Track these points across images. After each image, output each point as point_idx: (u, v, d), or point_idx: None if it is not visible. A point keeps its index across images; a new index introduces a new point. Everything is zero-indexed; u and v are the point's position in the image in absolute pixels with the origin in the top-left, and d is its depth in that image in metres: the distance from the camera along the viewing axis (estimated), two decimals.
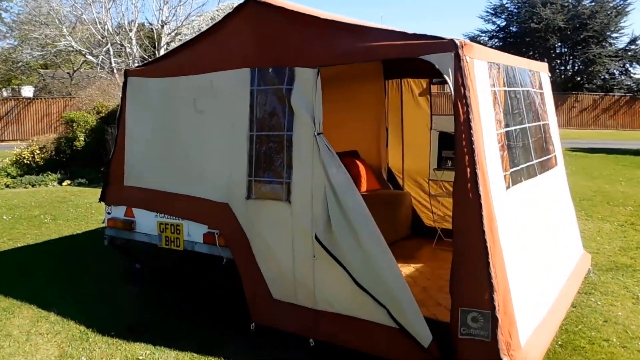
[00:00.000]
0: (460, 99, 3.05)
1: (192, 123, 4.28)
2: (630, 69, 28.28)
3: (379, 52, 3.37)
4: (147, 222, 4.64)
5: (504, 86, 3.78)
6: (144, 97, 4.65)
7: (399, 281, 3.23)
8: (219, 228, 4.08)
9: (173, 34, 21.90)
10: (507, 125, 3.69)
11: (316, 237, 3.50)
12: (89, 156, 11.49)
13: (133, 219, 4.74)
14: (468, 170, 3.03)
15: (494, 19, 31.37)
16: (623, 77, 29.01)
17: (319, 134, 3.53)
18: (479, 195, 3.00)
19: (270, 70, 3.77)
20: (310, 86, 3.57)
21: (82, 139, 11.37)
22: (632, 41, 25.47)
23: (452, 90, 3.07)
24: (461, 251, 3.07)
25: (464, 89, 3.05)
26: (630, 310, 4.32)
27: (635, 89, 27.86)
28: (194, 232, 4.31)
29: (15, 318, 4.18)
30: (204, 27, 9.72)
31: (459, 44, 3.05)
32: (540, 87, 4.88)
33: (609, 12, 24.21)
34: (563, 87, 26.84)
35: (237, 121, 3.95)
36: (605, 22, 24.25)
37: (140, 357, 3.55)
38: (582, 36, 24.10)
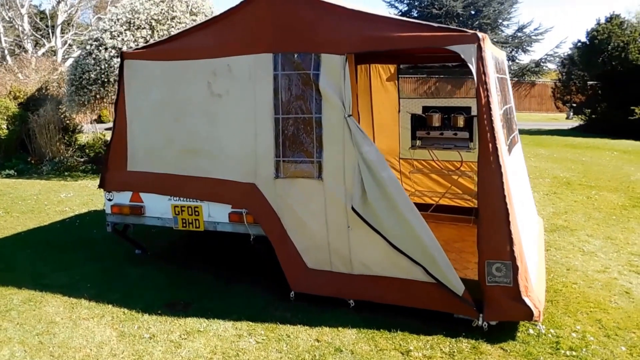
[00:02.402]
0: (482, 84, 3.60)
1: (208, 106, 4.38)
2: (516, 55, 31.36)
3: (408, 41, 3.77)
4: (158, 205, 4.70)
5: (496, 73, 4.42)
6: (146, 80, 4.63)
7: (433, 241, 3.74)
8: (246, 207, 4.30)
9: (70, 11, 20.43)
10: (502, 106, 4.34)
11: (353, 209, 3.90)
12: (13, 146, 10.65)
13: (141, 203, 4.76)
14: (490, 145, 3.60)
15: (397, 4, 32.90)
16: (510, 63, 32.14)
17: (349, 115, 3.91)
18: (500, 165, 3.59)
19: (295, 55, 4.02)
20: (338, 71, 3.89)
21: (5, 127, 10.49)
22: (519, 29, 28.23)
23: (474, 77, 3.61)
24: (487, 213, 3.63)
25: (485, 75, 3.60)
26: (583, 260, 5.26)
27: (520, 74, 31.02)
28: (215, 212, 4.48)
29: (46, 307, 4.10)
30: (139, 6, 9.42)
31: (480, 37, 3.59)
32: (505, 73, 5.64)
33: (501, 1, 26.61)
34: (459, 72, 29.03)
35: (261, 104, 4.15)
36: (499, 11, 26.63)
37: (201, 330, 3.73)
38: (477, 23, 26.23)
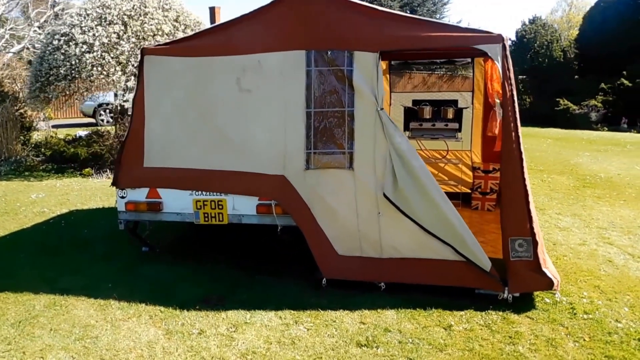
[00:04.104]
0: (507, 79, 3.94)
1: (235, 101, 4.43)
2: None
3: (440, 41, 4.06)
4: (177, 201, 4.67)
5: None
6: (168, 76, 4.60)
7: (462, 222, 4.05)
8: (276, 198, 4.39)
9: (9, 4, 19.00)
10: None
11: (385, 196, 4.12)
12: None
13: (159, 200, 4.70)
14: (513, 134, 3.95)
15: None
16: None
17: (381, 109, 4.12)
18: (521, 152, 3.95)
19: (328, 52, 4.17)
20: (370, 68, 4.10)
21: None
22: None
23: (500, 72, 3.95)
24: (510, 195, 3.99)
25: (509, 71, 3.94)
26: (562, 236, 5.82)
27: (453, 69, 32.74)
28: (241, 205, 4.53)
29: (75, 310, 3.95)
30: (109, 1, 9.13)
31: (505, 37, 3.95)
32: None
33: (435, 1, 27.99)
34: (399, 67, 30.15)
35: (292, 99, 4.27)
36: (432, 10, 27.92)
37: (247, 321, 3.77)
38: None
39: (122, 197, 4.79)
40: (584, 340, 3.53)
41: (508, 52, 3.94)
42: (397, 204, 4.11)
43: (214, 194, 4.57)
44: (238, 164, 4.46)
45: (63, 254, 5.27)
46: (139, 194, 4.74)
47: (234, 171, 4.47)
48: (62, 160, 9.99)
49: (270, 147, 4.35)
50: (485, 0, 61.89)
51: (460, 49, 4.75)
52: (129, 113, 11.21)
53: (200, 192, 4.60)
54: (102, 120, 17.88)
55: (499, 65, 3.93)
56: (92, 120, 18.29)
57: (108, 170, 9.49)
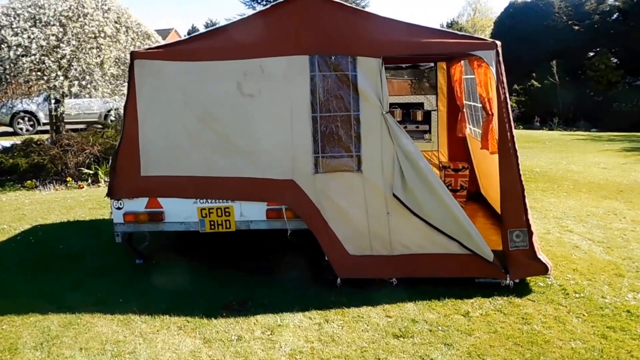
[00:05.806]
0: (500, 83, 4.32)
1: (238, 107, 4.42)
2: None
3: (439, 47, 4.33)
4: (180, 210, 4.57)
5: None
6: (162, 81, 4.47)
7: (467, 218, 4.36)
8: (286, 203, 4.44)
9: None
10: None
11: (394, 195, 4.33)
12: None
13: (161, 209, 4.57)
14: (508, 134, 4.33)
15: (255, 5, 33.27)
16: None
17: (387, 112, 4.33)
18: (516, 150, 4.35)
19: (332, 57, 4.31)
20: (374, 73, 4.30)
21: None
22: None
23: (494, 77, 4.31)
24: (507, 190, 4.36)
25: (502, 76, 4.32)
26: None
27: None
28: (249, 211, 4.53)
29: (97, 327, 3.76)
30: (43, 1, 8.52)
31: (498, 44, 4.31)
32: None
33: (355, 5, 29.05)
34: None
35: (297, 104, 4.36)
36: None
37: (280, 324, 3.81)
38: None
39: (119, 208, 4.59)
40: (584, 315, 3.97)
41: (501, 58, 4.32)
42: (406, 203, 4.34)
43: (220, 201, 4.53)
44: (245, 170, 4.46)
45: (51, 271, 4.93)
46: (138, 204, 4.58)
47: (241, 177, 4.46)
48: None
49: (278, 153, 4.40)
50: (402, 1, 64.62)
51: (456, 55, 5.08)
52: (66, 120, 10.56)
53: (204, 200, 4.54)
54: (21, 129, 16.53)
55: (493, 70, 4.29)
56: (8, 129, 16.84)
57: (54, 182, 8.88)
